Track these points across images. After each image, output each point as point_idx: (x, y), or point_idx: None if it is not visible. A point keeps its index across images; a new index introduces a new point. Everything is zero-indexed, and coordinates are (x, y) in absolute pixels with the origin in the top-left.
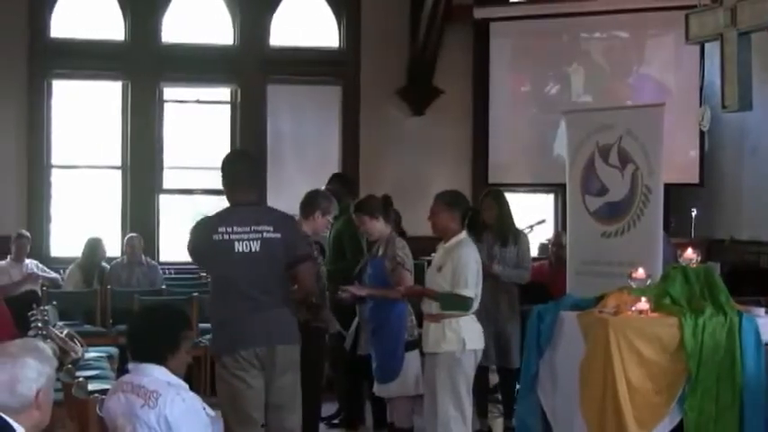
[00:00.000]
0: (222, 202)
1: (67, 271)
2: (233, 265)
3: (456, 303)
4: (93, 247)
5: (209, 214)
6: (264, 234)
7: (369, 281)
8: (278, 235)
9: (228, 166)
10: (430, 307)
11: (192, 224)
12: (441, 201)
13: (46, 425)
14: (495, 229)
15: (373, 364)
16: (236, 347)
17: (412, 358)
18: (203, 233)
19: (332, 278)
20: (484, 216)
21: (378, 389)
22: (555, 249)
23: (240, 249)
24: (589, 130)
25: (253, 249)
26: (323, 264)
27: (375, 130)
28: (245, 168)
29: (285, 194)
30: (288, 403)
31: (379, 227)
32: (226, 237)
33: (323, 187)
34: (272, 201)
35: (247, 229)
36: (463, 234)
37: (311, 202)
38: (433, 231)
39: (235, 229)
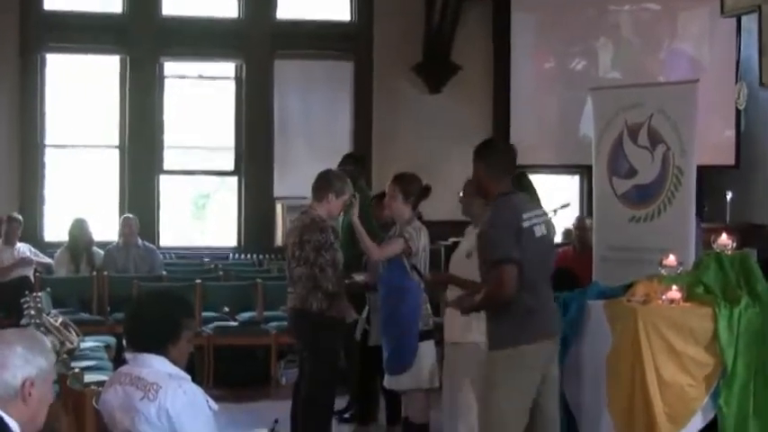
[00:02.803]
0: (224, 184)
1: (56, 255)
2: (537, 251)
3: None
4: (79, 227)
5: (511, 200)
6: (544, 218)
7: (383, 267)
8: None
9: (494, 154)
10: (455, 294)
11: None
12: (469, 183)
13: (40, 426)
14: None
15: (384, 354)
16: (540, 336)
17: (426, 349)
18: (513, 218)
19: (347, 265)
20: None
21: (388, 381)
22: (578, 234)
23: (539, 234)
24: (617, 108)
25: (543, 234)
26: (339, 249)
27: (389, 109)
28: (510, 156)
29: (293, 176)
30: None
31: (405, 211)
32: (529, 223)
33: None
34: (279, 182)
35: (535, 214)
36: None
37: (324, 184)
38: (463, 214)
39: (532, 214)
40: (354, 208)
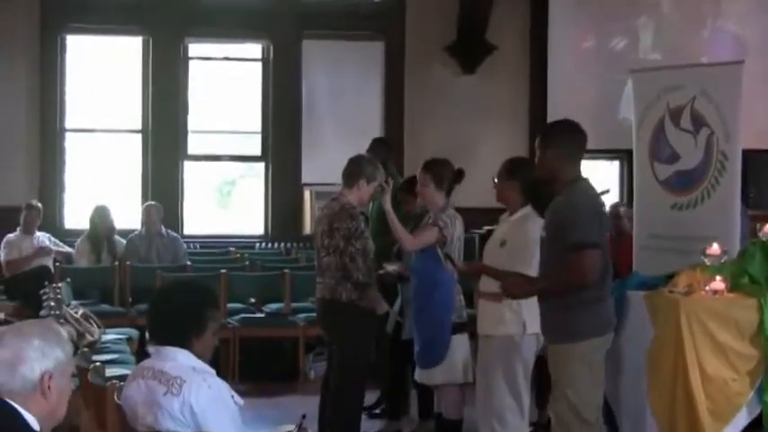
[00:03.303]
0: (250, 170)
1: (76, 244)
2: (605, 239)
3: None
4: (100, 215)
5: (589, 184)
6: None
7: (415, 256)
8: None
9: (568, 136)
10: (488, 285)
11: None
12: (502, 168)
13: (60, 419)
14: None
15: (416, 347)
16: (609, 328)
17: (460, 342)
18: (594, 202)
19: (376, 254)
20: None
21: (419, 375)
22: (614, 221)
23: (605, 224)
24: (659, 90)
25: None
26: (369, 237)
27: (421, 91)
28: (584, 138)
29: (321, 161)
30: None
31: (437, 198)
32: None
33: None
34: (307, 168)
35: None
36: (528, 208)
37: (355, 170)
38: (497, 201)
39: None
40: (387, 194)
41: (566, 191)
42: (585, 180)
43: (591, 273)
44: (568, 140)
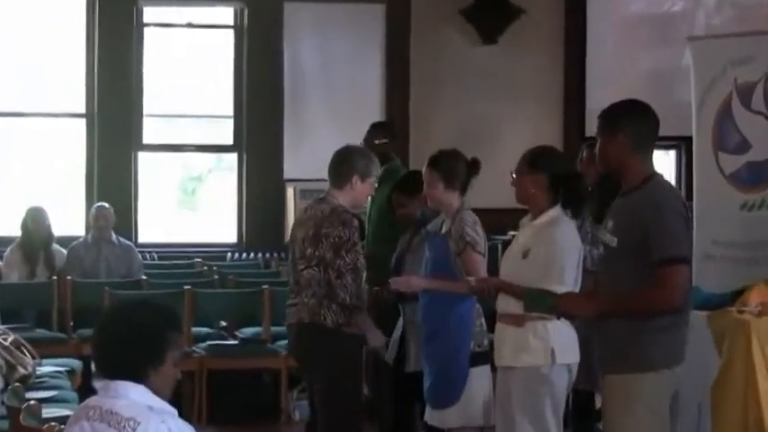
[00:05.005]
0: (221, 163)
1: (5, 254)
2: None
3: (546, 303)
4: (34, 219)
5: (669, 183)
6: None
7: (426, 267)
8: None
9: (641, 121)
10: (507, 305)
11: None
12: (522, 160)
13: None
14: (595, 199)
15: (425, 382)
16: (680, 359)
17: (480, 376)
18: (681, 206)
19: (375, 266)
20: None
21: (430, 416)
22: None
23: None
24: (724, 62)
25: None
26: (362, 251)
27: (431, 64)
28: (657, 123)
29: (307, 152)
30: None
31: (450, 198)
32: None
33: (360, 142)
34: (291, 157)
35: None
36: (557, 209)
37: (345, 165)
38: (517, 201)
39: None
40: None
41: (642, 188)
42: (660, 175)
43: (678, 294)
44: (640, 125)
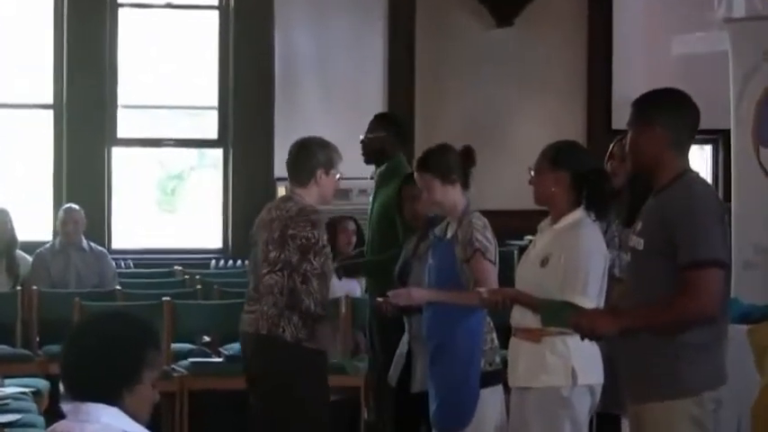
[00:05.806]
0: (204, 159)
1: None
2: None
3: (567, 317)
4: None
5: (705, 181)
6: None
7: (430, 276)
8: None
9: (681, 112)
10: (523, 318)
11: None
12: (543, 157)
13: None
14: (623, 200)
15: (431, 405)
16: (724, 379)
17: (492, 397)
18: (718, 205)
19: (377, 273)
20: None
21: None
22: None
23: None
24: (766, 48)
25: None
26: (330, 257)
27: (439, 49)
28: (698, 115)
29: None
30: None
31: (453, 196)
32: None
33: (362, 136)
34: (282, 153)
35: None
36: (580, 210)
37: (305, 159)
38: (536, 202)
39: None
40: None
41: (673, 185)
42: (696, 172)
43: (714, 301)
44: (680, 117)
